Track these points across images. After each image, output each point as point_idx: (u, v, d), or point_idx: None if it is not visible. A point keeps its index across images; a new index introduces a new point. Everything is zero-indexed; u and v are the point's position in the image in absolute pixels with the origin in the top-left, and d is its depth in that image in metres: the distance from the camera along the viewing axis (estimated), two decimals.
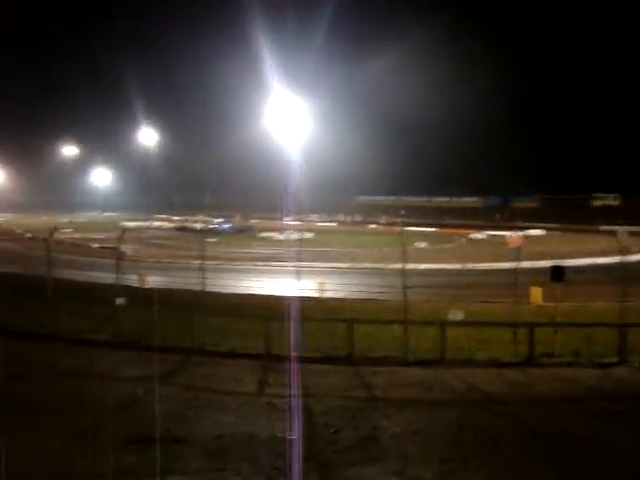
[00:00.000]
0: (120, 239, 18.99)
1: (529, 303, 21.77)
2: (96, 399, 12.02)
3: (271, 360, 15.40)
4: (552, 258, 26.85)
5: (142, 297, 23.55)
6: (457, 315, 17.37)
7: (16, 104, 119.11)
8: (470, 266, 39.99)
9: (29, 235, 57.42)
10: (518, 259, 38.00)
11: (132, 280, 29.79)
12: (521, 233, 50.20)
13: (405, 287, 17.08)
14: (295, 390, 12.61)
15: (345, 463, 9.26)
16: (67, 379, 13.57)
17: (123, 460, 9.16)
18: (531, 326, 16.06)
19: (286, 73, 65.40)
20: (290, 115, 70.68)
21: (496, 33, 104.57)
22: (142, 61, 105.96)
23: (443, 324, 16.21)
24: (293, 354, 14.98)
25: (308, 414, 11.29)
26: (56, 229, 19.99)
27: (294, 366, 14.07)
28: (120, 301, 18.28)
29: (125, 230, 19.05)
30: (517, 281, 17.02)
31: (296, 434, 9.88)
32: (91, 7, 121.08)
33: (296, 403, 11.60)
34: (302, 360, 14.87)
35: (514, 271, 35.62)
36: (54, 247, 52.68)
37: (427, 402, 12.24)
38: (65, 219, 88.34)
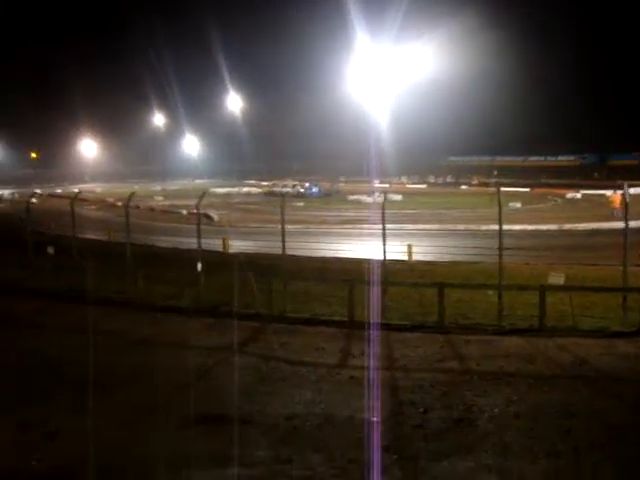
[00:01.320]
0: (199, 203, 18.16)
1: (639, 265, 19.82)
2: (169, 370, 11.37)
3: (355, 327, 14.33)
4: None
5: (224, 262, 23.05)
6: (558, 279, 15.80)
7: (105, 75, 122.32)
8: (568, 227, 37.84)
9: (119, 203, 58.38)
10: (624, 218, 35.90)
11: (216, 245, 29.48)
12: (622, 191, 47.13)
13: (500, 248, 15.57)
14: (380, 361, 11.56)
15: (434, 454, 8.00)
16: (142, 348, 12.97)
17: (183, 443, 8.34)
18: None
19: (371, 28, 63.55)
20: (376, 73, 68.71)
21: None
22: (227, 28, 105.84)
23: (543, 289, 14.67)
24: (378, 321, 13.95)
25: (394, 390, 10.12)
26: (129, 199, 19.25)
27: (379, 334, 13.03)
28: (200, 267, 17.64)
29: (204, 194, 18.14)
30: (625, 242, 15.23)
31: (378, 416, 8.78)
32: None
33: (381, 377, 10.55)
34: (388, 328, 13.84)
35: (619, 231, 33.92)
36: (144, 214, 53.78)
37: (529, 377, 10.74)
38: (157, 187, 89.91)
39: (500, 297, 14.86)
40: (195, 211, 39.76)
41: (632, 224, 32.82)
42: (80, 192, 22.08)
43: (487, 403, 9.49)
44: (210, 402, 9.76)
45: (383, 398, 9.52)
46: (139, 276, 18.12)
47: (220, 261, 22.90)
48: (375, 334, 13.01)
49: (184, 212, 48.27)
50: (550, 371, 11.17)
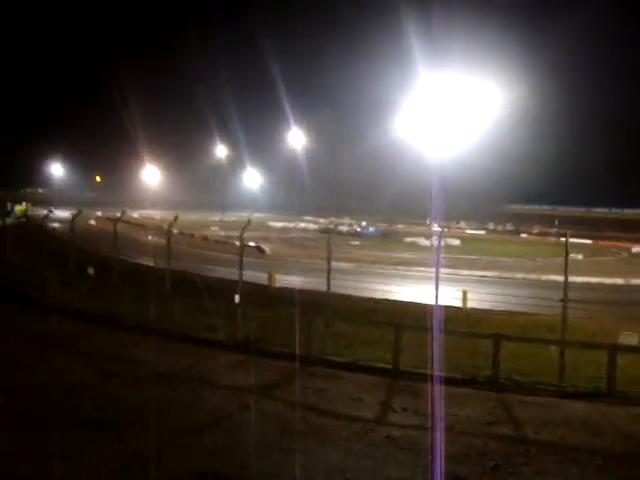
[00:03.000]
0: (242, 233, 17.16)
1: None
2: (184, 411, 10.20)
3: (399, 377, 13.00)
4: None
5: (267, 296, 22.01)
6: (631, 338, 14.16)
7: (170, 104, 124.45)
8: (635, 282, 35.82)
9: (175, 231, 58.28)
10: None
11: (263, 278, 28.54)
12: None
13: (565, 300, 14.03)
14: (423, 420, 10.13)
15: None
16: (163, 382, 11.77)
17: None
18: None
19: (435, 70, 62.75)
20: (438, 116, 67.59)
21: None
22: (292, 61, 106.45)
23: (613, 348, 13.05)
24: (425, 372, 12.58)
25: (436, 458, 8.58)
26: (175, 221, 18.44)
27: (425, 387, 11.65)
28: (238, 299, 16.59)
29: (248, 223, 17.15)
30: None
31: None
32: (238, 6, 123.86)
33: (422, 439, 9.12)
34: (436, 380, 12.37)
35: None
36: (197, 243, 53.44)
37: (597, 454, 9.04)
38: (215, 217, 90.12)
39: (563, 354, 13.32)
40: (251, 244, 38.74)
41: None
42: (124, 214, 21.13)
43: None
44: (217, 456, 8.46)
45: (421, 468, 8.10)
46: (176, 304, 17.13)
47: (263, 295, 21.92)
48: (420, 386, 11.67)
49: (237, 243, 47.76)
50: (623, 448, 9.47)
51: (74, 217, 22.58)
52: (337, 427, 9.70)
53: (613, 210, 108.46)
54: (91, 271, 21.55)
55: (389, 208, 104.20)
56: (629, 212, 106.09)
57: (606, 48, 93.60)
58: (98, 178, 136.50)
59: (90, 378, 11.92)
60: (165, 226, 20.11)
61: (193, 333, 16.26)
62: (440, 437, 9.40)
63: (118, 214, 21.71)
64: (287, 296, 20.57)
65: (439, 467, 8.14)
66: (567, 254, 14.48)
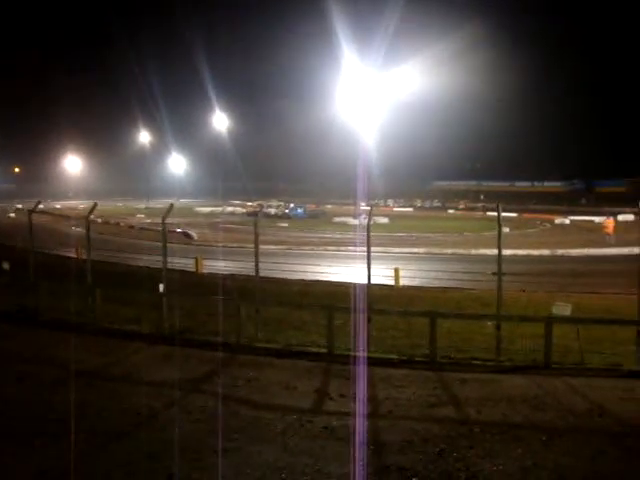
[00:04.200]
0: (165, 216, 16.30)
1: None
2: (105, 413, 9.41)
3: (334, 361, 12.46)
4: None
5: (194, 283, 21.25)
6: (564, 309, 14.01)
7: (91, 91, 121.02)
8: (561, 252, 36.42)
9: (100, 220, 56.69)
10: (619, 245, 34.43)
11: (191, 265, 27.75)
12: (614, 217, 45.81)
13: (499, 274, 13.77)
14: (362, 406, 9.63)
15: None
16: (83, 382, 10.84)
17: None
18: None
19: (360, 49, 62.51)
20: (364, 94, 67.44)
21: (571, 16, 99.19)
22: (214, 46, 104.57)
23: (549, 320, 12.87)
24: (361, 354, 12.11)
25: (377, 447, 8.06)
26: (94, 208, 17.42)
27: (362, 370, 11.16)
28: (162, 288, 15.77)
29: (171, 207, 16.31)
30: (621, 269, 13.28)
31: None
32: None
33: (362, 428, 8.60)
34: (372, 362, 11.96)
35: (614, 258, 32.62)
36: (123, 232, 51.89)
37: (541, 430, 8.71)
38: (141, 205, 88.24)
39: (499, 328, 13.08)
40: (178, 230, 37.70)
41: (625, 250, 31.97)
42: (38, 204, 19.91)
43: (497, 469, 7.44)
44: (140, 464, 7.69)
45: (363, 460, 7.57)
46: (98, 297, 16.20)
47: (190, 282, 21.16)
48: (357, 370, 11.16)
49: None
50: (565, 422, 9.18)
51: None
52: (271, 420, 9.06)
53: (535, 184, 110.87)
54: (6, 266, 20.26)
55: (317, 189, 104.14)
56: (550, 185, 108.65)
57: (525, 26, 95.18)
58: (17, 169, 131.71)
59: (1, 383, 10.98)
60: (91, 216, 19.04)
61: (116, 326, 15.42)
62: (380, 425, 8.94)
63: (40, 205, 20.43)
64: (215, 282, 19.85)
65: (381, 459, 7.65)
66: (500, 226, 14.25)
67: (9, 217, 64.82)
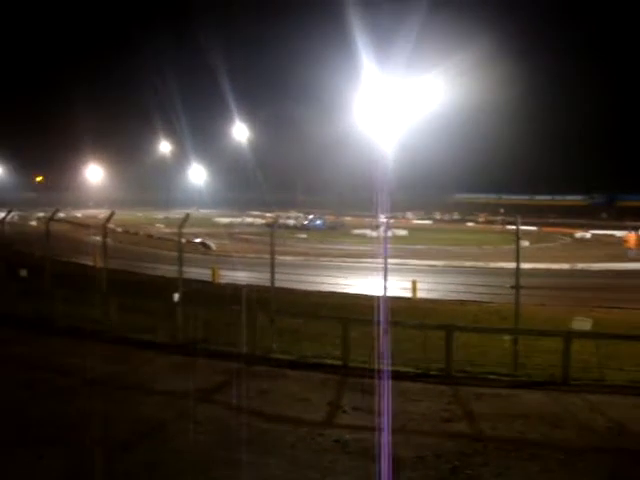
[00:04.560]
0: (181, 226, 16.29)
1: None
2: (115, 422, 9.31)
3: (348, 374, 12.35)
4: None
5: (210, 293, 21.16)
6: (584, 324, 13.77)
7: (112, 101, 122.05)
8: (581, 266, 35.99)
9: (119, 229, 56.99)
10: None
11: (208, 275, 27.73)
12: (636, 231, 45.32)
13: (517, 287, 13.57)
14: (374, 420, 9.46)
15: None
16: (95, 390, 10.82)
17: None
18: None
19: (382, 62, 62.44)
20: (384, 106, 67.28)
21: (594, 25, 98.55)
22: (234, 57, 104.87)
23: (568, 335, 12.64)
24: (376, 367, 11.94)
25: (390, 464, 7.81)
26: (111, 217, 17.45)
27: (376, 383, 10.99)
28: (177, 297, 15.71)
29: (187, 217, 16.29)
30: None
31: None
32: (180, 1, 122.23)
33: (373, 442, 8.43)
34: (387, 375, 11.74)
35: (637, 272, 32.20)
36: (142, 241, 51.98)
37: (558, 449, 8.51)
38: (161, 215, 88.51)
39: (516, 343, 12.87)
40: (197, 240, 37.76)
41: None
42: (56, 212, 19.95)
43: None
44: (145, 475, 7.58)
45: (373, 476, 7.41)
46: (113, 305, 16.18)
47: (206, 292, 21.08)
48: (371, 383, 11.01)
49: (183, 240, 46.72)
50: (583, 441, 8.98)
51: (4, 217, 21.28)
52: (282, 433, 8.93)
53: (556, 197, 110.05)
54: (24, 273, 20.32)
55: (336, 201, 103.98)
56: (571, 199, 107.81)
57: (547, 39, 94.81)
58: (39, 178, 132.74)
59: (12, 390, 10.93)
60: (109, 224, 19.07)
61: (130, 335, 15.38)
62: (393, 440, 8.77)
63: (61, 214, 20.47)
64: (231, 292, 19.75)
65: (392, 475, 7.48)
66: (518, 239, 14.07)
67: (31, 225, 65.28)
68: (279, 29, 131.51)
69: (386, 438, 8.70)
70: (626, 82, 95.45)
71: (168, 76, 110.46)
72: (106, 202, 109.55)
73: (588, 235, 62.72)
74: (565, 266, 36.32)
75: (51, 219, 19.76)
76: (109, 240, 25.71)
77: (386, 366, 12.43)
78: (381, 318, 13.57)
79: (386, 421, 9.52)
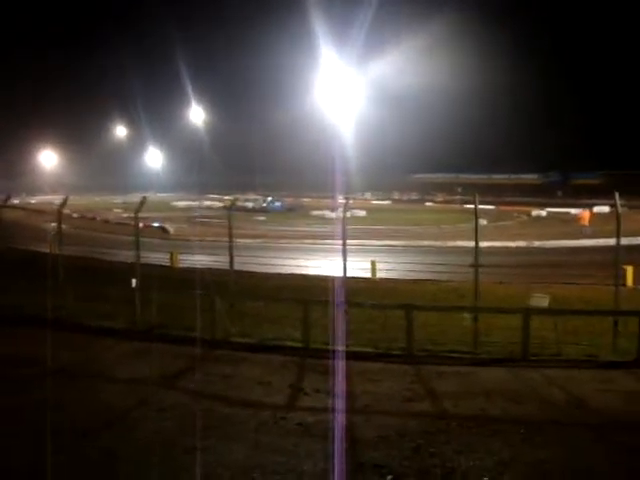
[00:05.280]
0: (138, 210, 16.07)
1: (624, 285, 18.11)
2: (71, 412, 9.12)
3: (309, 356, 12.33)
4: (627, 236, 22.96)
5: (168, 278, 20.96)
6: (542, 301, 13.98)
7: (67, 85, 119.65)
8: (538, 244, 36.49)
9: (75, 215, 56.10)
10: (594, 236, 34.58)
11: (166, 259, 27.46)
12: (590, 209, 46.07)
13: (477, 265, 13.69)
14: (336, 401, 9.45)
15: None
16: (54, 380, 10.56)
17: None
18: None
19: (337, 44, 62.27)
20: (341, 89, 67.19)
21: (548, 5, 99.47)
22: (190, 39, 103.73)
23: (527, 312, 12.78)
24: (337, 348, 11.93)
25: (352, 444, 7.88)
26: (66, 202, 17.14)
27: (337, 364, 11.00)
28: (135, 283, 15.49)
29: (144, 201, 16.05)
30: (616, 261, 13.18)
31: None
32: None
33: (336, 424, 8.42)
34: (348, 356, 11.75)
35: (590, 249, 32.74)
36: (99, 226, 51.21)
37: (519, 423, 8.61)
38: (118, 199, 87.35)
39: (476, 320, 12.99)
40: (155, 224, 37.19)
41: (601, 242, 32.11)
42: (9, 198, 19.49)
43: (473, 464, 7.29)
44: (109, 463, 7.48)
45: (337, 457, 7.39)
46: (70, 292, 15.86)
47: (165, 276, 20.85)
48: (333, 364, 11.00)
49: (140, 225, 46.15)
50: (543, 414, 9.09)
51: None
52: (245, 417, 8.87)
53: (512, 176, 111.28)
54: None
55: (295, 182, 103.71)
56: (527, 177, 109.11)
57: (502, 20, 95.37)
58: None
59: None
60: (65, 210, 18.67)
61: (88, 322, 15.14)
62: (356, 420, 8.77)
63: (14, 200, 19.94)
64: (190, 277, 19.58)
65: (356, 456, 7.47)
66: (477, 218, 14.16)
67: None
68: (236, 11, 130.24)
69: (349, 419, 8.71)
70: (579, 62, 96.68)
71: (123, 59, 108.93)
72: (62, 187, 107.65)
73: (544, 213, 63.50)
74: (522, 244, 36.74)
75: (3, 206, 19.30)
76: (65, 226, 25.40)
77: (347, 347, 12.45)
78: (341, 299, 13.59)
79: (348, 402, 9.53)
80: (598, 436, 8.34)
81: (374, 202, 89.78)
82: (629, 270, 20.28)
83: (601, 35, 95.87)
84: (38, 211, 63.61)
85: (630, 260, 18.79)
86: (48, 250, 28.76)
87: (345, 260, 14.30)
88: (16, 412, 9.11)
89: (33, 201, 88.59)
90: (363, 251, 27.24)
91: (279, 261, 27.29)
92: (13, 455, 7.72)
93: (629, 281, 20.38)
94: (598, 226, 37.35)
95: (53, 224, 30.83)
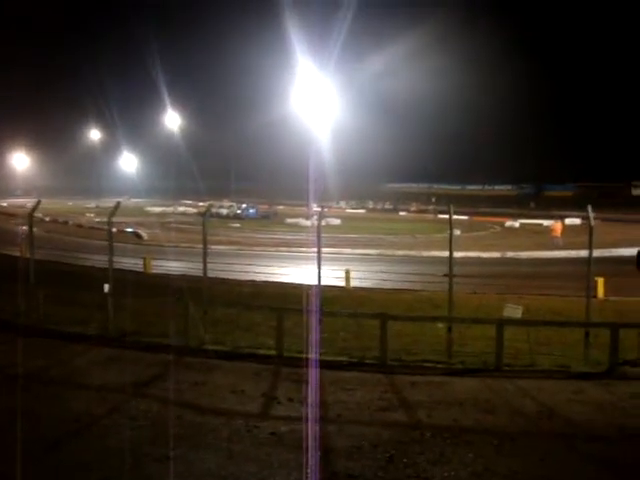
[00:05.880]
0: (111, 216, 15.92)
1: (595, 297, 18.28)
2: (38, 421, 8.94)
3: (283, 364, 12.26)
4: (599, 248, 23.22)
5: (141, 283, 20.76)
6: (515, 311, 14.04)
7: (41, 88, 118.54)
8: (511, 254, 36.78)
9: (47, 219, 55.47)
10: (566, 247, 34.94)
11: (139, 265, 27.24)
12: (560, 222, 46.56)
13: (450, 276, 13.74)
14: (310, 410, 9.40)
15: None
16: (20, 386, 10.36)
17: None
18: (614, 326, 12.49)
19: (313, 53, 62.34)
20: (317, 98, 67.22)
21: (524, 17, 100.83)
22: (166, 44, 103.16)
23: (500, 322, 12.84)
24: (311, 356, 11.90)
25: (326, 453, 7.82)
26: (37, 205, 16.93)
27: (311, 373, 10.96)
28: (108, 288, 15.31)
29: (118, 205, 15.91)
30: (588, 273, 13.26)
31: None
32: None
33: (310, 433, 8.37)
34: (322, 365, 11.74)
35: (562, 260, 33.11)
36: (71, 230, 50.69)
37: (491, 434, 8.62)
38: (92, 204, 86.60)
39: (450, 330, 13.03)
40: (129, 229, 37.05)
41: (573, 253, 32.46)
42: None
43: (448, 475, 7.27)
44: (76, 474, 7.30)
45: (310, 468, 7.34)
46: (41, 297, 15.64)
47: (138, 282, 20.65)
48: (306, 373, 10.97)
49: (114, 230, 45.74)
50: (515, 425, 9.12)
51: None
52: (217, 426, 8.77)
53: (486, 187, 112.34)
54: None
55: (270, 190, 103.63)
56: (500, 188, 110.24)
57: (480, 30, 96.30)
58: None
59: None
60: (37, 214, 18.40)
61: (59, 328, 14.94)
62: (329, 430, 8.72)
63: None
64: (163, 283, 19.49)
65: (329, 466, 7.42)
66: (451, 228, 14.19)
67: None
68: (213, 17, 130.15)
69: (322, 429, 8.66)
70: (555, 74, 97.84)
71: (98, 63, 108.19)
72: (34, 191, 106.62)
73: (517, 224, 64.02)
74: (495, 254, 36.99)
75: None
76: (37, 230, 25.18)
77: (321, 356, 12.42)
78: (315, 307, 13.56)
79: (321, 411, 9.49)
80: (570, 447, 8.38)
81: (348, 211, 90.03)
82: (600, 282, 20.53)
83: (578, 48, 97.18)
84: (9, 214, 62.85)
85: (601, 272, 19.02)
86: (19, 254, 28.45)
87: (320, 268, 14.27)
88: None
89: (4, 204, 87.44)
90: (337, 260, 27.24)
91: (253, 268, 27.19)
92: None
93: (600, 293, 20.61)
94: (570, 238, 37.80)
95: (24, 227, 30.50)
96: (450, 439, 8.41)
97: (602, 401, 10.36)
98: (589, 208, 13.40)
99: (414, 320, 15.04)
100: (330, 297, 16.93)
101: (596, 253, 13.80)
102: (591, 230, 13.28)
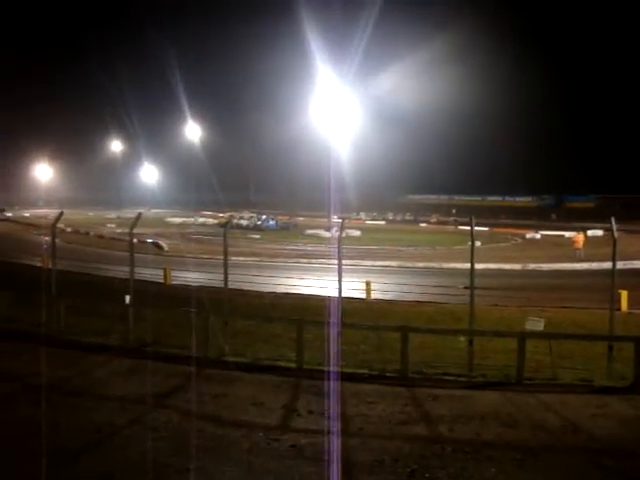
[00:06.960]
0: (132, 226, 16.02)
1: (619, 310, 18.06)
2: (60, 431, 8.97)
3: (303, 376, 12.21)
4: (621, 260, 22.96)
5: (162, 294, 20.86)
6: (537, 324, 13.92)
7: (63, 100, 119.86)
8: (533, 266, 36.47)
9: (69, 229, 55.98)
10: (589, 259, 34.59)
11: (160, 276, 27.34)
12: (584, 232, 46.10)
13: (472, 288, 13.64)
14: (331, 423, 9.36)
15: None
16: (41, 396, 10.42)
17: None
18: (638, 340, 12.27)
19: (334, 66, 62.57)
20: (337, 109, 67.27)
21: (547, 28, 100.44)
22: (188, 56, 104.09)
23: (522, 335, 12.73)
24: (331, 369, 11.85)
25: (347, 468, 7.80)
26: (60, 217, 17.07)
27: (332, 385, 10.91)
28: (128, 299, 15.40)
29: (139, 217, 16.00)
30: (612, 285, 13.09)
31: None
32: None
33: (330, 446, 8.33)
34: (343, 377, 11.68)
35: (585, 272, 32.82)
36: (93, 241, 51.01)
37: (514, 449, 8.54)
38: (113, 215, 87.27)
39: (471, 343, 12.93)
40: (149, 240, 37.31)
41: (594, 265, 32.14)
42: (2, 211, 19.40)
43: None
44: None
45: None
46: (62, 307, 15.75)
47: (158, 293, 20.76)
48: (326, 385, 10.92)
49: (134, 241, 45.90)
50: (538, 440, 9.01)
51: None
52: (237, 438, 8.77)
53: (506, 198, 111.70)
54: None
55: (290, 201, 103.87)
56: (521, 200, 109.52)
57: (500, 40, 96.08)
58: None
59: None
60: (59, 224, 18.56)
61: (80, 338, 15.00)
62: (350, 443, 8.67)
63: (8, 214, 19.87)
64: (183, 294, 19.52)
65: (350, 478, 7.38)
66: (473, 240, 14.08)
67: None
68: (234, 29, 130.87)
69: (343, 442, 8.61)
70: (575, 84, 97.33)
71: (120, 75, 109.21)
72: (56, 202, 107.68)
73: (538, 236, 63.53)
74: (517, 266, 36.70)
75: None
76: (59, 241, 25.40)
77: (341, 368, 12.37)
78: (335, 320, 13.51)
79: (342, 425, 9.44)
80: (594, 462, 8.26)
81: (368, 222, 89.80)
82: (624, 294, 20.28)
83: (598, 58, 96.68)
84: (31, 224, 63.48)
85: (624, 284, 18.80)
86: (41, 264, 28.71)
87: (340, 280, 14.23)
88: (3, 430, 8.97)
89: (27, 214, 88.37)
90: (358, 271, 27.23)
91: (274, 280, 27.17)
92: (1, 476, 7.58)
93: (624, 305, 20.37)
94: (592, 250, 37.45)
95: (46, 238, 30.74)
96: (471, 454, 8.34)
97: (626, 416, 10.23)
98: (612, 220, 13.27)
99: (435, 333, 14.92)
100: (350, 309, 16.89)
101: (619, 265, 13.62)
102: (615, 242, 13.13)
